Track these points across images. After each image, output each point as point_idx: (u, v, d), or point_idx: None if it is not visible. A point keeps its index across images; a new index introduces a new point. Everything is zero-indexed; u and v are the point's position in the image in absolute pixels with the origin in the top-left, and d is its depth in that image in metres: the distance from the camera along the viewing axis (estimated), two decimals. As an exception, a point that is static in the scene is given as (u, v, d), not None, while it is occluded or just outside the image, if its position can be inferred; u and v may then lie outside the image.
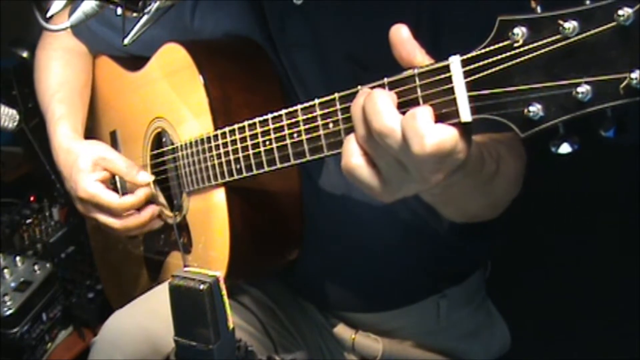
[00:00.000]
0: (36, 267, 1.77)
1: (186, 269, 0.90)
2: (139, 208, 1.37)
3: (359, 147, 0.84)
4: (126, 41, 1.02)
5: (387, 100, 0.80)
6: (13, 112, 1.68)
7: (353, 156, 0.84)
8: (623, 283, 1.54)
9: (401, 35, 0.82)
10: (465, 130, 0.78)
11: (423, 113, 0.76)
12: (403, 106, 0.81)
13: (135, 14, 1.00)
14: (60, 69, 1.58)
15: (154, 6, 1.00)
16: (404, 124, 0.77)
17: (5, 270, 1.75)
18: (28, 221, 1.91)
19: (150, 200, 1.39)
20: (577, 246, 1.60)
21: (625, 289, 1.53)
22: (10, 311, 1.67)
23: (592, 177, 1.59)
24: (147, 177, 1.38)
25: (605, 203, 1.61)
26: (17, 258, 1.78)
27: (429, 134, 0.75)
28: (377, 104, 0.79)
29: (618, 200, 1.60)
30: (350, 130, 0.90)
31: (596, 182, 1.60)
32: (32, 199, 1.96)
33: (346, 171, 0.86)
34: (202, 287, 0.85)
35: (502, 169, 0.98)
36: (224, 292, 0.87)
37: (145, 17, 1.01)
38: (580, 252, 1.60)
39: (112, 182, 1.45)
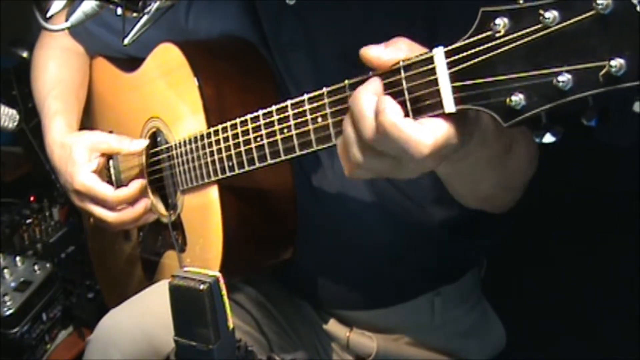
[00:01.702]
0: (36, 267, 1.77)
1: (186, 268, 0.90)
2: (132, 202, 1.38)
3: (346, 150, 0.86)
4: (126, 41, 1.03)
5: (370, 103, 0.81)
6: (13, 112, 1.69)
7: (349, 165, 0.87)
8: (620, 282, 1.53)
9: (368, 55, 0.84)
10: (455, 118, 0.78)
11: (401, 116, 0.78)
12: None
13: (135, 14, 1.01)
14: (57, 67, 1.58)
15: (154, 6, 1.00)
16: (391, 132, 0.78)
17: (5, 270, 1.75)
18: (28, 221, 1.92)
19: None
20: (574, 245, 1.59)
21: (623, 288, 1.52)
22: (10, 311, 1.67)
23: (592, 176, 1.58)
24: (141, 142, 1.40)
25: (604, 203, 1.60)
26: (17, 258, 1.79)
27: (424, 137, 0.77)
28: (363, 109, 0.81)
29: (617, 200, 1.59)
30: (338, 124, 0.91)
31: (595, 182, 1.60)
32: (32, 199, 1.97)
33: (351, 177, 0.89)
34: (202, 287, 0.86)
35: (515, 147, 0.98)
36: (224, 292, 0.88)
37: (145, 17, 1.01)
38: (577, 251, 1.59)
39: (108, 175, 1.45)
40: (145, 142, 1.40)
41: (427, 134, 0.77)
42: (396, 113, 0.79)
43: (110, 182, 1.46)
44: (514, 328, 1.43)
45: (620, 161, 1.46)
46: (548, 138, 0.72)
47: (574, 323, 1.55)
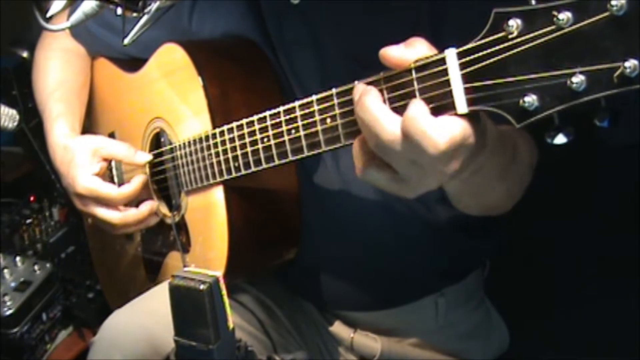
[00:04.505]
0: (36, 267, 1.77)
1: (186, 269, 0.90)
2: (137, 204, 1.38)
3: (367, 152, 0.85)
4: (126, 41, 1.03)
5: (380, 108, 0.81)
6: (13, 112, 1.67)
7: (365, 165, 0.86)
8: (622, 282, 1.53)
9: (389, 55, 0.83)
10: (471, 116, 0.78)
11: (423, 115, 0.77)
12: (400, 100, 0.82)
13: (135, 14, 1.01)
14: (59, 68, 1.58)
15: (154, 6, 1.00)
16: (408, 128, 0.78)
17: (5, 270, 1.75)
18: (28, 221, 1.91)
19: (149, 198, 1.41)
20: (576, 246, 1.60)
21: (624, 288, 1.53)
22: (10, 311, 1.67)
23: (592, 177, 1.59)
24: (146, 156, 1.40)
25: (605, 203, 1.60)
26: (17, 258, 1.78)
27: (439, 134, 0.76)
28: (373, 114, 0.81)
29: (618, 200, 1.60)
30: (347, 125, 0.91)
31: (596, 182, 1.60)
32: (32, 199, 1.96)
33: (362, 179, 0.87)
34: (202, 287, 0.85)
35: (518, 155, 0.99)
36: (224, 292, 0.88)
37: (145, 17, 1.01)
38: (579, 251, 1.59)
39: (110, 176, 1.45)
40: (150, 157, 1.40)
41: (444, 129, 0.77)
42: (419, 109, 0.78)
43: (111, 176, 1.46)
44: (517, 328, 1.43)
45: (621, 161, 1.47)
46: (560, 139, 0.72)
47: (576, 323, 1.56)
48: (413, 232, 1.25)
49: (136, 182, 1.38)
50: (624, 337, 1.50)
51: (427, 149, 0.77)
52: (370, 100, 0.82)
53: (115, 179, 1.47)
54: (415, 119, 0.77)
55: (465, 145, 0.78)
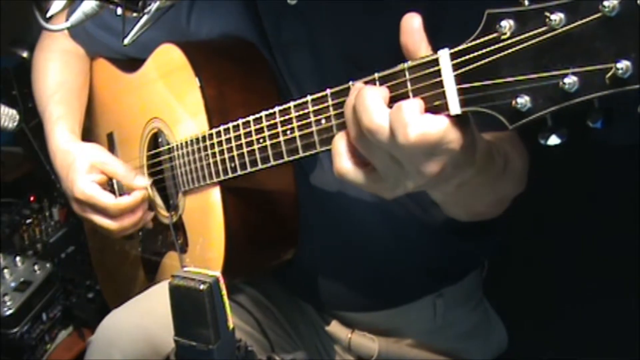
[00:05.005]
0: (36, 267, 1.78)
1: (186, 269, 0.90)
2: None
3: (349, 148, 0.85)
4: (126, 41, 1.03)
5: (375, 97, 0.80)
6: (13, 112, 1.68)
7: (342, 159, 0.85)
8: (621, 282, 1.53)
9: (412, 25, 0.82)
10: (457, 120, 0.77)
11: (409, 104, 0.77)
12: (394, 100, 0.82)
13: (135, 14, 1.01)
14: (58, 70, 1.58)
15: (154, 6, 1.00)
16: (391, 117, 0.77)
17: (5, 270, 1.75)
18: (28, 221, 1.92)
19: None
20: (576, 246, 1.59)
21: (624, 288, 1.53)
22: (10, 311, 1.68)
23: (592, 177, 1.58)
24: (144, 181, 1.39)
25: (604, 203, 1.60)
26: (17, 258, 1.79)
27: (413, 123, 0.75)
28: (366, 101, 0.80)
29: (618, 200, 1.59)
30: (342, 125, 0.90)
31: (596, 182, 1.60)
32: (32, 199, 1.97)
33: (338, 175, 0.86)
34: (202, 287, 0.85)
35: (509, 166, 0.98)
36: (224, 292, 0.87)
37: (145, 18, 1.01)
38: (579, 252, 1.59)
39: (110, 184, 1.45)
40: (148, 182, 1.40)
41: (419, 122, 0.76)
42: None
43: (111, 184, 1.46)
44: (516, 329, 1.43)
45: (620, 161, 1.46)
46: (553, 140, 0.72)
47: (576, 323, 1.55)
48: (411, 233, 1.25)
49: (136, 195, 1.37)
50: (624, 337, 1.50)
51: (397, 137, 0.76)
52: (369, 90, 0.80)
53: (115, 186, 1.46)
54: (402, 110, 0.77)
55: (444, 148, 0.77)
